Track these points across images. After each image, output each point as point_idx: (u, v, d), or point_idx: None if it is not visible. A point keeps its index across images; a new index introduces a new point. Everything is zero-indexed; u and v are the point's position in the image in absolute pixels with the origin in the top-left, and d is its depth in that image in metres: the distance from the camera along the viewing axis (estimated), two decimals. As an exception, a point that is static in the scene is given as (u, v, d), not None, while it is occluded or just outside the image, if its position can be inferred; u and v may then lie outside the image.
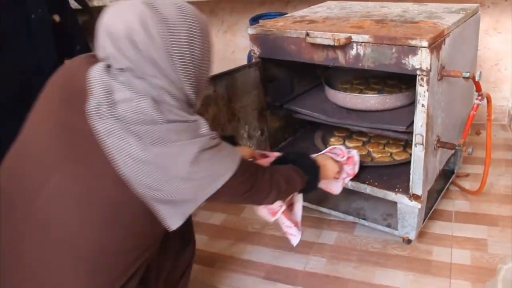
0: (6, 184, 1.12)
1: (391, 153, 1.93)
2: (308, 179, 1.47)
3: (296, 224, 1.58)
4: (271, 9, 2.83)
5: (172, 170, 1.03)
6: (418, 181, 1.62)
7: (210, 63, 1.16)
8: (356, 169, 1.74)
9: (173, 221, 1.09)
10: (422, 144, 1.54)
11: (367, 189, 1.76)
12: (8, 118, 1.74)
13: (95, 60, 1.13)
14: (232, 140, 1.59)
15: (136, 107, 1.03)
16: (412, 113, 1.56)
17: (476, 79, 1.51)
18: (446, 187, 2.06)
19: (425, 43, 1.40)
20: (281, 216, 1.56)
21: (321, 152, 1.73)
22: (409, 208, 1.69)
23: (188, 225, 1.44)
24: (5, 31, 1.71)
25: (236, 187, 1.17)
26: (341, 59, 1.58)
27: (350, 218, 1.92)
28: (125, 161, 1.01)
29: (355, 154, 1.74)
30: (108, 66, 1.09)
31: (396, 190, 1.71)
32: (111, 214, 1.05)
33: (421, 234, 1.84)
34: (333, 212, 1.97)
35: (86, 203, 1.04)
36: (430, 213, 1.91)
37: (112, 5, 1.08)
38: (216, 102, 1.66)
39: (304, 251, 1.86)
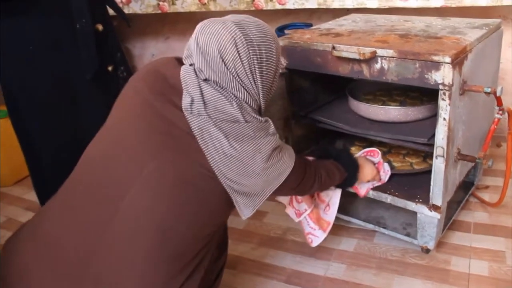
0: (98, 172, 1.24)
1: (411, 163, 1.96)
2: (346, 175, 1.63)
3: (323, 227, 1.69)
4: (296, 19, 2.89)
5: (250, 166, 1.19)
6: (438, 192, 1.67)
7: (278, 77, 1.36)
8: (387, 178, 1.84)
9: (247, 211, 1.27)
10: (443, 156, 1.59)
11: (388, 198, 1.80)
12: (46, 113, 1.86)
13: (180, 63, 1.29)
14: None
15: (223, 107, 1.19)
16: (433, 125, 1.61)
17: (498, 94, 1.54)
18: (465, 199, 2.10)
19: (448, 59, 1.45)
20: (307, 217, 1.69)
21: (359, 154, 1.84)
22: (428, 218, 1.73)
23: (225, 233, 1.54)
24: (55, 38, 1.81)
25: (292, 181, 1.33)
26: (366, 72, 1.63)
27: (370, 226, 1.97)
28: (213, 154, 1.17)
29: (387, 165, 1.86)
30: (194, 68, 1.24)
31: (417, 200, 1.75)
32: (199, 201, 1.21)
33: (439, 244, 1.88)
34: (353, 220, 2.01)
35: (179, 188, 1.18)
36: (449, 223, 1.94)
37: (205, 22, 1.25)
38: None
39: (325, 257, 1.91)
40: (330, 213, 1.72)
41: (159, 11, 2.91)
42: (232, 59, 1.20)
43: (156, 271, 1.17)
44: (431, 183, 1.67)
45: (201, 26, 1.24)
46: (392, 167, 1.92)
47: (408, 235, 1.87)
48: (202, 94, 1.19)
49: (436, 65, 1.48)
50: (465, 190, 2.12)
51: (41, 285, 1.17)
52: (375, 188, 1.83)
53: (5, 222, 2.41)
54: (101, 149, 1.28)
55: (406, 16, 2.11)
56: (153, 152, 1.18)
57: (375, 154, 1.82)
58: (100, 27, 1.91)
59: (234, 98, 1.21)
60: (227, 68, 1.20)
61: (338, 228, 2.05)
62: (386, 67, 1.58)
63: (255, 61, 1.23)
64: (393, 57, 1.55)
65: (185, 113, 1.18)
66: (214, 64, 1.20)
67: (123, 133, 1.25)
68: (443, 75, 1.47)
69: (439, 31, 1.77)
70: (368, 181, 1.79)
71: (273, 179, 1.27)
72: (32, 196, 2.60)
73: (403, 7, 2.26)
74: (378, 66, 1.60)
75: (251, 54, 1.21)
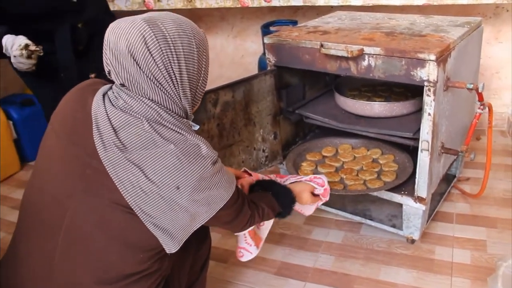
0: (29, 217, 1.22)
1: (365, 181, 1.92)
2: (281, 212, 1.54)
3: (257, 243, 1.64)
4: (280, 16, 2.93)
5: (173, 200, 1.08)
6: (423, 185, 1.73)
7: (206, 78, 1.21)
8: (327, 197, 1.72)
9: (170, 246, 1.14)
10: (428, 150, 1.65)
11: (375, 192, 1.86)
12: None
13: (95, 87, 1.20)
14: None
15: (134, 131, 1.08)
16: (418, 120, 1.67)
17: (479, 90, 1.61)
18: (448, 191, 2.17)
19: (433, 57, 1.50)
20: (246, 232, 1.62)
21: (305, 178, 1.72)
22: (414, 210, 1.80)
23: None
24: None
25: (222, 216, 1.21)
26: (353, 69, 1.68)
27: (357, 219, 2.03)
28: (129, 190, 1.07)
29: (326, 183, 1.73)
30: (106, 92, 1.16)
31: (402, 192, 1.81)
32: (124, 240, 1.12)
33: (424, 235, 1.94)
34: (340, 213, 2.07)
35: (100, 231, 1.12)
36: (433, 215, 2.01)
37: (115, 23, 1.13)
38: (234, 107, 1.76)
39: (313, 249, 1.96)
40: (263, 229, 1.66)
41: (145, 8, 2.93)
42: (144, 58, 1.08)
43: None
44: (416, 176, 1.73)
45: (111, 26, 1.14)
46: (344, 186, 1.90)
47: (394, 226, 1.94)
48: (110, 121, 1.10)
49: (422, 63, 1.53)
50: (447, 183, 2.20)
51: None
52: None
53: None
54: (32, 195, 1.24)
55: (390, 13, 2.17)
56: (69, 198, 1.13)
57: (321, 184, 1.71)
58: (81, 47, 1.97)
59: (146, 110, 1.11)
60: (140, 68, 1.09)
61: (326, 221, 2.11)
62: (373, 64, 1.63)
63: (171, 58, 1.10)
64: (380, 55, 1.61)
65: (97, 148, 1.09)
66: (126, 64, 1.10)
67: (45, 179, 1.20)
68: (428, 72, 1.53)
69: (423, 29, 1.83)
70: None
71: (202, 212, 1.14)
72: (18, 194, 2.62)
73: (387, 4, 2.31)
74: (365, 63, 1.65)
75: (164, 51, 1.09)
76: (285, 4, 2.49)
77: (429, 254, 1.87)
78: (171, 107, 1.13)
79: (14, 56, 1.73)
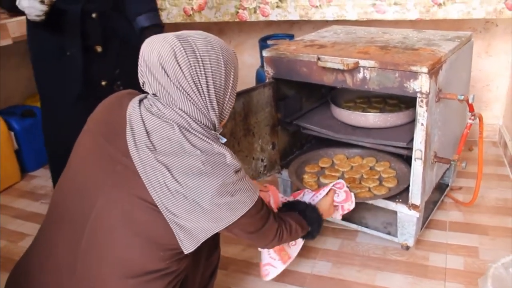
0: (58, 207, 1.29)
1: (369, 188, 1.97)
2: (309, 230, 1.61)
3: (283, 259, 1.71)
4: (277, 30, 3.01)
5: (197, 202, 1.15)
6: (417, 192, 1.79)
7: (234, 93, 1.31)
8: (352, 206, 1.84)
9: (188, 246, 1.19)
10: (421, 159, 1.71)
11: (370, 200, 1.92)
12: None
13: (132, 96, 1.29)
14: None
15: (165, 135, 1.17)
16: (411, 130, 1.74)
17: (470, 101, 1.68)
18: (441, 199, 2.23)
19: (425, 69, 1.57)
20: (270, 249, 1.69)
21: (324, 189, 1.80)
22: (408, 217, 1.86)
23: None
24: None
25: (246, 225, 1.27)
26: (349, 81, 1.75)
27: (353, 226, 2.08)
28: (156, 188, 1.14)
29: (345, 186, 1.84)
30: (142, 99, 1.25)
31: (397, 200, 1.87)
32: (146, 236, 1.18)
33: (418, 242, 2.00)
34: (337, 221, 2.11)
35: (124, 225, 1.18)
36: (427, 222, 2.07)
37: (150, 38, 1.24)
38: (234, 117, 1.82)
39: (311, 256, 2.01)
40: (294, 249, 1.73)
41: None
42: (173, 70, 1.17)
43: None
44: (410, 184, 1.79)
45: (146, 41, 1.24)
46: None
47: (389, 233, 1.99)
48: (144, 124, 1.18)
49: (414, 75, 1.60)
50: (440, 191, 2.26)
51: None
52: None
53: None
54: (63, 188, 1.31)
55: (384, 28, 2.24)
56: (98, 191, 1.20)
57: (342, 186, 1.82)
58: (99, 48, 2.00)
59: (177, 118, 1.18)
60: (169, 78, 1.18)
61: (323, 229, 2.15)
62: (368, 76, 1.70)
63: (198, 72, 1.19)
64: (375, 67, 1.68)
65: (129, 148, 1.17)
66: (158, 75, 1.19)
67: (78, 174, 1.27)
68: (421, 84, 1.60)
69: (415, 43, 1.90)
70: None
71: (225, 217, 1.19)
72: (19, 204, 2.68)
73: (381, 19, 2.39)
74: (360, 75, 1.72)
75: (192, 64, 1.18)
76: (282, 19, 2.56)
77: (423, 260, 1.92)
78: (199, 118, 1.21)
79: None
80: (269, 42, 2.81)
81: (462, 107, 1.96)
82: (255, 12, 2.60)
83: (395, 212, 1.90)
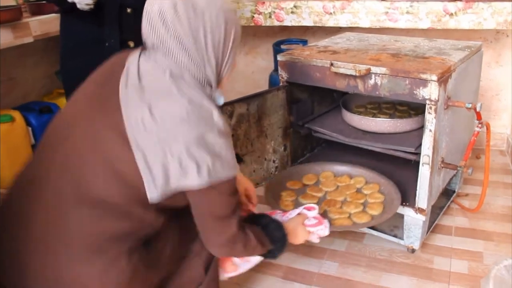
0: (49, 134, 1.32)
1: (350, 214, 1.85)
2: (272, 249, 1.50)
3: (226, 268, 1.59)
4: (291, 35, 3.07)
5: (167, 143, 1.13)
6: (423, 196, 1.84)
7: (233, 50, 1.28)
8: (326, 232, 1.70)
9: (152, 192, 1.16)
10: (429, 164, 1.76)
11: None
12: None
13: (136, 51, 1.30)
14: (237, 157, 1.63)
15: (155, 78, 1.18)
16: (420, 136, 1.79)
17: (477, 109, 1.73)
18: (447, 205, 2.28)
19: (434, 77, 1.63)
20: None
21: (296, 211, 1.72)
22: (414, 220, 1.91)
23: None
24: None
25: (210, 199, 1.23)
26: (361, 87, 1.81)
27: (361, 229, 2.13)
28: (132, 122, 1.14)
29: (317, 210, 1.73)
30: (143, 50, 1.26)
31: (404, 203, 1.92)
32: (114, 168, 1.17)
33: (424, 245, 2.05)
34: (345, 223, 2.17)
35: (94, 152, 1.18)
36: (433, 227, 2.12)
37: None
38: (248, 119, 1.89)
39: (318, 256, 2.06)
40: (244, 263, 1.61)
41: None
42: (171, 20, 1.17)
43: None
44: (417, 188, 1.85)
45: None
46: (329, 220, 1.76)
47: (395, 236, 2.04)
48: (138, 68, 1.20)
49: (424, 82, 1.66)
50: (447, 197, 2.31)
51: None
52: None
53: None
54: (54, 120, 1.33)
55: (396, 36, 2.30)
56: (79, 120, 1.23)
57: (312, 208, 1.73)
58: (131, 44, 2.05)
59: (171, 66, 1.20)
60: (167, 29, 1.18)
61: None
62: (379, 83, 1.76)
63: (197, 25, 1.19)
64: (386, 74, 1.73)
65: (120, 86, 1.19)
66: (157, 26, 1.20)
67: (68, 110, 1.31)
68: (430, 92, 1.65)
69: (426, 51, 1.95)
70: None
71: (191, 173, 1.15)
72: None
73: (393, 27, 2.44)
74: (372, 82, 1.77)
75: (191, 17, 1.18)
76: (296, 24, 2.62)
77: (428, 263, 1.97)
78: (195, 72, 1.21)
79: None
80: (283, 46, 2.87)
81: (470, 114, 2.01)
82: (270, 17, 2.66)
83: (402, 216, 1.95)
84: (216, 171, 1.17)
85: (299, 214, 1.70)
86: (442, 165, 1.87)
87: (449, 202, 2.30)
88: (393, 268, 1.96)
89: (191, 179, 1.15)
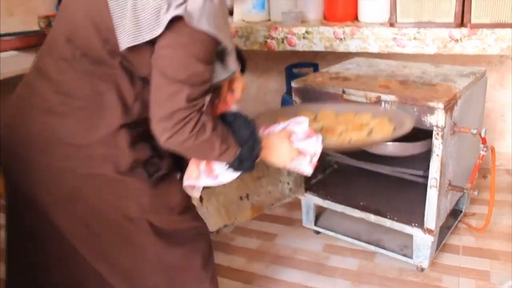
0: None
1: (351, 139, 1.63)
2: (239, 154, 1.31)
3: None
4: (302, 58, 3.17)
5: None
6: (431, 218, 1.92)
7: None
8: (319, 148, 1.44)
9: (122, 40, 1.17)
10: (436, 187, 1.85)
11: (387, 222, 2.06)
12: None
13: None
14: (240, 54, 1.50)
15: None
16: (428, 159, 1.87)
17: (482, 135, 1.82)
18: (455, 224, 2.36)
19: (441, 105, 1.72)
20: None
21: (280, 125, 1.49)
22: (423, 241, 1.99)
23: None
24: None
25: (181, 56, 1.16)
26: (371, 114, 1.90)
27: (371, 248, 2.21)
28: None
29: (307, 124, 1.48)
30: None
31: (413, 224, 2.00)
32: (90, 16, 1.22)
33: (432, 264, 2.13)
34: (356, 242, 2.26)
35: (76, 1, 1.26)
36: (441, 246, 2.20)
37: None
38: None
39: (331, 274, 2.15)
40: (209, 182, 1.40)
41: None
42: None
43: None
44: (426, 210, 1.93)
45: None
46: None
47: (405, 255, 2.12)
48: None
49: (431, 110, 1.75)
50: (454, 217, 2.38)
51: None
52: (376, 213, 2.08)
53: None
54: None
55: (404, 62, 2.40)
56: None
57: (300, 122, 1.48)
58: None
59: None
60: None
61: (342, 249, 2.29)
62: (388, 109, 1.85)
63: None
64: (395, 101, 1.83)
65: None
66: None
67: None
68: (437, 119, 1.75)
69: (433, 78, 2.05)
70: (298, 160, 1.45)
71: (162, 15, 1.13)
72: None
73: (401, 52, 2.54)
74: (381, 108, 1.86)
75: None
76: (308, 49, 2.72)
77: (437, 282, 2.04)
78: None
79: None
80: (294, 70, 2.97)
81: (476, 138, 2.09)
82: (282, 42, 2.76)
83: (411, 236, 2.03)
84: (194, 10, 1.12)
85: (283, 129, 1.47)
86: (449, 188, 1.95)
87: (456, 222, 2.37)
88: (404, 286, 2.04)
89: (159, 25, 1.13)
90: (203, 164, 1.37)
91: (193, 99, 1.18)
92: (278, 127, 1.46)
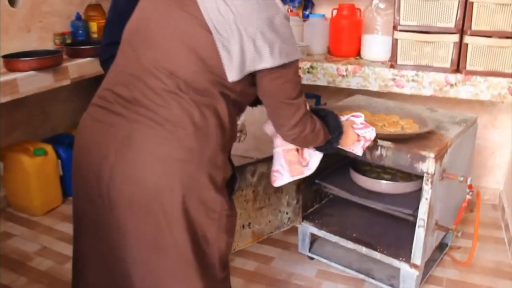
0: (132, 33, 1.48)
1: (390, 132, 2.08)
2: (330, 138, 1.71)
3: (292, 171, 1.83)
4: (305, 90, 3.26)
5: (243, 25, 1.30)
6: (418, 254, 2.08)
7: None
8: (373, 135, 1.92)
9: (231, 72, 1.34)
10: (424, 227, 2.01)
11: (378, 255, 2.21)
12: None
13: None
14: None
15: None
16: (418, 198, 2.03)
17: (468, 183, 1.98)
18: (440, 257, 2.51)
19: (432, 155, 1.88)
20: (281, 152, 1.81)
21: (345, 117, 1.94)
22: (409, 274, 2.14)
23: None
24: None
25: (281, 78, 1.40)
26: (368, 156, 2.06)
27: (361, 276, 2.37)
28: (209, 10, 1.31)
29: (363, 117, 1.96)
30: None
31: (400, 259, 2.16)
32: (197, 53, 1.34)
33: (417, 295, 2.28)
34: (347, 270, 2.41)
35: (180, 39, 1.36)
36: (426, 277, 2.35)
37: None
38: (268, 177, 2.13)
39: (321, 300, 2.30)
40: (306, 169, 1.87)
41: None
42: None
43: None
44: (413, 246, 2.08)
45: None
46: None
47: (392, 285, 2.27)
48: None
49: (423, 158, 1.91)
50: (440, 250, 2.54)
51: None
52: (367, 245, 2.24)
53: (41, 250, 2.73)
54: (129, 24, 1.50)
55: (401, 102, 2.56)
56: (162, 14, 1.40)
57: (359, 116, 1.96)
58: None
59: None
60: None
61: (334, 276, 2.45)
62: (384, 154, 2.01)
63: None
64: (391, 147, 1.99)
65: None
66: None
67: (144, 7, 1.47)
68: (428, 166, 1.91)
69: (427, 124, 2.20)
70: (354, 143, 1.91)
71: (265, 53, 1.32)
72: (62, 227, 2.96)
73: (399, 92, 2.70)
74: (378, 153, 2.03)
75: None
76: (312, 83, 2.88)
77: (421, 312, 2.21)
78: None
79: None
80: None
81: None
82: (287, 75, 2.92)
83: (398, 268, 2.18)
84: (286, 52, 1.35)
85: (347, 119, 1.91)
86: (436, 227, 2.11)
87: (442, 255, 2.53)
88: (389, 315, 2.20)
89: (266, 60, 1.33)
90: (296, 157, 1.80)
91: (305, 103, 1.54)
92: (343, 118, 1.88)
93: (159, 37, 1.39)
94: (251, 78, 1.42)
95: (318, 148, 1.79)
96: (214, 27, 1.32)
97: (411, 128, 2.13)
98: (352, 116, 1.96)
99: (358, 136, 1.91)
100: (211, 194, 1.40)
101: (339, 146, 1.81)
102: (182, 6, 1.37)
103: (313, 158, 1.88)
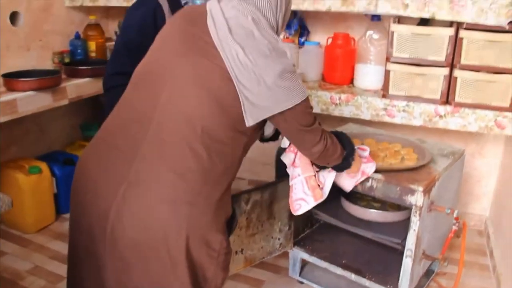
0: (147, 72, 1.53)
1: (391, 164, 2.23)
2: (345, 154, 1.78)
3: (315, 196, 1.90)
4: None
5: (262, 76, 1.38)
6: (405, 282, 2.14)
7: (291, 4, 1.60)
8: (373, 170, 2.05)
9: (250, 119, 1.42)
10: (411, 257, 2.07)
11: (366, 282, 2.27)
12: None
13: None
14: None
15: (240, 22, 1.42)
16: (406, 227, 2.09)
17: (454, 215, 2.05)
18: (427, 284, 2.57)
19: (421, 188, 1.95)
20: (303, 180, 1.88)
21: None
22: (397, 301, 2.21)
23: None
24: None
25: (301, 115, 1.51)
26: (359, 187, 2.13)
27: (351, 300, 2.43)
28: (230, 59, 1.38)
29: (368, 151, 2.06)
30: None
31: (388, 286, 2.22)
32: (216, 98, 1.40)
33: (404, 321, 2.34)
34: (337, 294, 2.47)
35: (200, 84, 1.41)
36: (413, 304, 2.41)
37: None
38: (261, 205, 2.19)
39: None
40: (326, 189, 1.96)
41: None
42: None
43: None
44: (401, 274, 2.15)
45: None
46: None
47: (380, 311, 2.33)
48: (223, 13, 1.43)
49: (412, 191, 1.98)
50: (427, 276, 2.60)
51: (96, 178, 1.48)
52: (356, 272, 2.30)
53: (33, 269, 2.74)
54: (146, 62, 1.55)
55: (392, 133, 2.65)
56: (181, 57, 1.45)
57: (365, 150, 2.05)
58: None
59: (252, 12, 1.44)
60: None
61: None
62: (375, 186, 2.08)
63: None
64: (381, 180, 2.06)
65: (209, 28, 1.42)
66: None
67: (162, 49, 1.52)
68: (417, 199, 1.98)
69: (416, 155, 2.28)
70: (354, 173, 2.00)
71: (282, 100, 1.42)
72: (54, 245, 2.97)
73: (390, 122, 2.77)
74: (368, 184, 2.10)
75: None
76: (305, 110, 2.95)
77: (407, 338, 2.25)
78: (269, 16, 1.48)
79: None
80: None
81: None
82: (282, 100, 2.99)
83: (386, 295, 2.25)
84: (298, 93, 1.44)
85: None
86: (423, 257, 2.17)
87: (429, 281, 2.59)
88: None
89: (281, 106, 1.43)
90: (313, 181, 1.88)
91: (320, 124, 1.62)
92: None
93: (178, 81, 1.44)
94: (262, 121, 1.49)
95: (335, 167, 1.84)
96: (235, 77, 1.39)
97: (410, 158, 2.25)
98: (358, 148, 2.02)
99: (360, 165, 2.00)
100: (213, 234, 1.46)
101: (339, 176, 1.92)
102: (204, 53, 1.43)
103: (327, 181, 1.96)
